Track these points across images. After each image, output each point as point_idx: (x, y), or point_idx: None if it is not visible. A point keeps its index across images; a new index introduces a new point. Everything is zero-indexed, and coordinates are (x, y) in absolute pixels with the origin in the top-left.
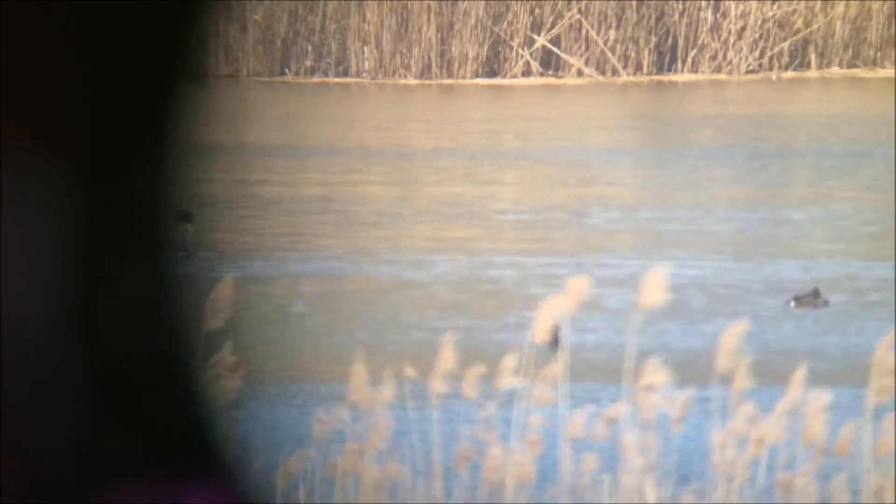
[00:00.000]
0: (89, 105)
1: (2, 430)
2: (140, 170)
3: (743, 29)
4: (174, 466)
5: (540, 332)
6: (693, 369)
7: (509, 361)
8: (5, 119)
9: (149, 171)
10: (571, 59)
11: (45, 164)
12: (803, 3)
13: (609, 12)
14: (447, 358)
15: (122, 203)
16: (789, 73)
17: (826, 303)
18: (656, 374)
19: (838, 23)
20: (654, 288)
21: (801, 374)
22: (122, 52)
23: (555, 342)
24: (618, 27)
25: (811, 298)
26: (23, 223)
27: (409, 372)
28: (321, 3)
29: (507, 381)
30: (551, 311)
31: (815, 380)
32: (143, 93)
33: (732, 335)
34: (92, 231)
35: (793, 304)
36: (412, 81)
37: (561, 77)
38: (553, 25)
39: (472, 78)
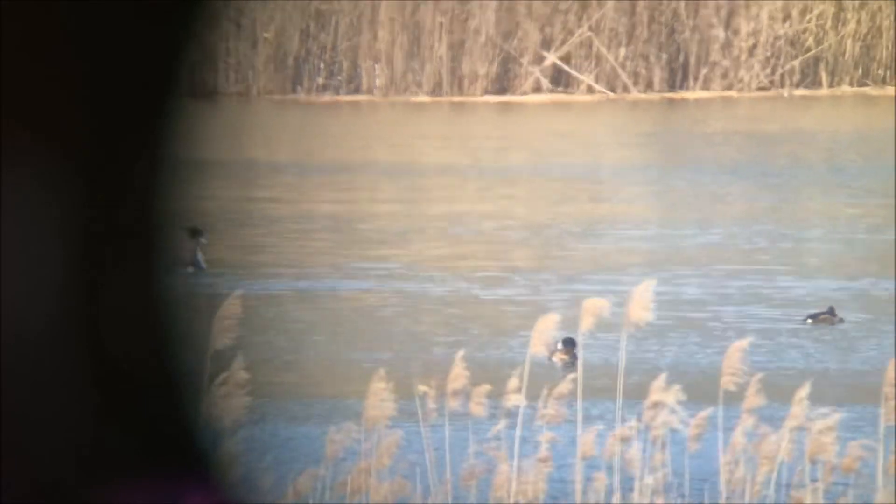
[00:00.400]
0: (89, 105)
1: (2, 430)
2: (139, 171)
3: (754, 46)
4: (174, 466)
5: (553, 349)
6: (703, 386)
7: (517, 380)
8: (5, 119)
9: (147, 172)
10: (581, 76)
11: (45, 164)
12: (814, 22)
13: (619, 29)
14: (457, 375)
15: (121, 203)
16: (800, 91)
17: (842, 321)
18: (666, 391)
19: (848, 41)
20: (641, 304)
21: (806, 391)
22: (122, 52)
23: (573, 359)
24: (628, 44)
25: (827, 316)
26: (23, 223)
27: (420, 389)
28: (333, 21)
29: (515, 399)
30: (562, 330)
31: (825, 398)
32: (142, 93)
33: (737, 351)
34: (92, 231)
35: (809, 321)
36: (423, 99)
37: (571, 94)
38: (563, 42)
39: (482, 95)
